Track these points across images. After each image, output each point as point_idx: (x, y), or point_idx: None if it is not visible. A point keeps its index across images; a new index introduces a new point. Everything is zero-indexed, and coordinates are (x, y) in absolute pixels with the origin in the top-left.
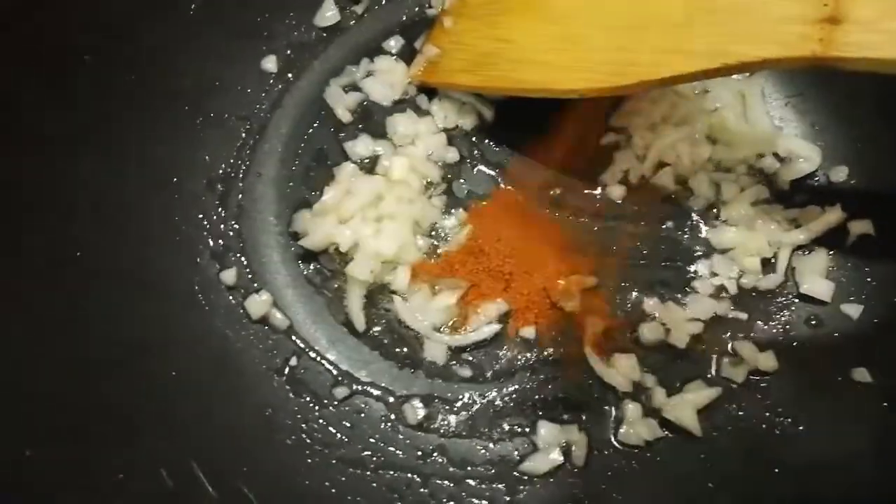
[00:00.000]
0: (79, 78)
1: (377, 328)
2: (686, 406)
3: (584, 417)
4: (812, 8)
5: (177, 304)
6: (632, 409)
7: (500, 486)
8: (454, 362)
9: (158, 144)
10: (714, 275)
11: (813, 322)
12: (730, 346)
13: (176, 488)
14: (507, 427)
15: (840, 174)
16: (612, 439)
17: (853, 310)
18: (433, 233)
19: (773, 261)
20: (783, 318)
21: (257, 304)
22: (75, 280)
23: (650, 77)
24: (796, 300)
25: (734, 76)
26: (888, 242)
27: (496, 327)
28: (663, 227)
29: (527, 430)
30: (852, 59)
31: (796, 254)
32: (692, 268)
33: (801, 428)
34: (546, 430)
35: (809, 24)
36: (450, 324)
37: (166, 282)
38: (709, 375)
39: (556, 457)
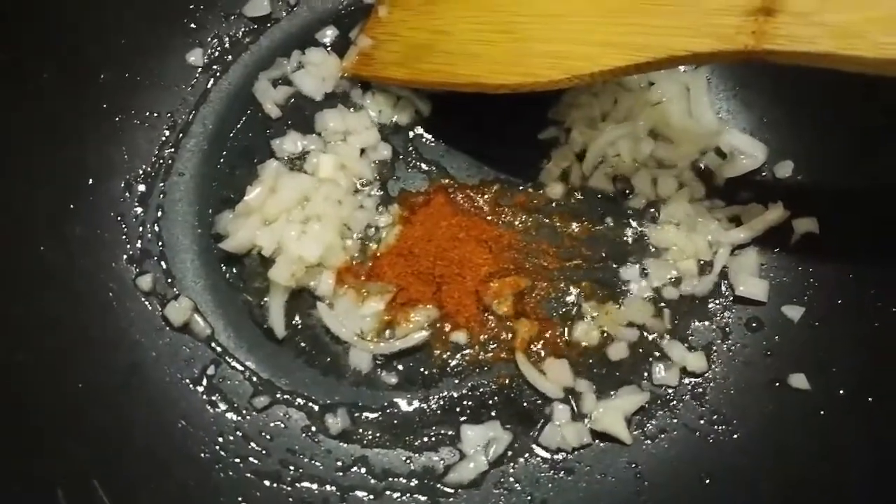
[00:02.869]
0: None
1: (301, 335)
2: (615, 412)
3: (511, 421)
4: None
5: (88, 309)
6: (561, 410)
7: (421, 497)
8: (381, 370)
9: (74, 144)
10: (651, 278)
11: (753, 325)
12: (661, 346)
13: None
14: (433, 437)
15: (786, 169)
16: (536, 445)
17: (794, 312)
18: (362, 234)
19: (711, 261)
20: (722, 321)
21: (177, 310)
22: None
23: (581, 72)
24: (735, 303)
25: (680, 68)
26: (833, 242)
27: (425, 334)
28: (602, 226)
29: (453, 438)
30: (787, 52)
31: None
32: (630, 269)
33: (735, 436)
34: (471, 432)
35: (743, 16)
36: (376, 330)
37: (79, 285)
38: (643, 381)
39: (481, 463)
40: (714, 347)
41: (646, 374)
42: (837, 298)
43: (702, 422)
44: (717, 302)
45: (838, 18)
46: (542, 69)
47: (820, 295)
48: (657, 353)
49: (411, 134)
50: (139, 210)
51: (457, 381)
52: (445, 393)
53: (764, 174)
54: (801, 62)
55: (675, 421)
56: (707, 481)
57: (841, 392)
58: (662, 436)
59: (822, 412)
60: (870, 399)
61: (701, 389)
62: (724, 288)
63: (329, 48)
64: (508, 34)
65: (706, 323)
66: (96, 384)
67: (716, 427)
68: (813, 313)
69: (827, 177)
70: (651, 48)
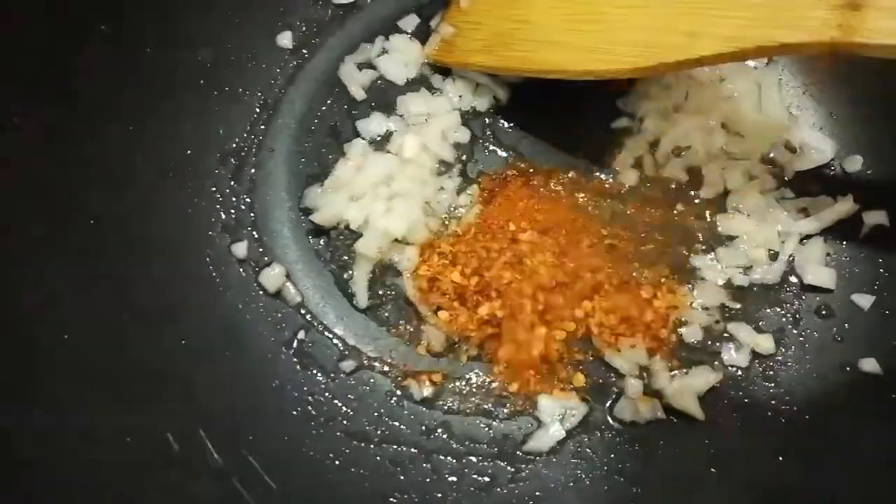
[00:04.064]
0: (95, 47)
1: (385, 305)
2: (688, 389)
3: (586, 394)
4: None
5: (188, 275)
6: (634, 385)
7: (502, 463)
8: (460, 342)
9: (173, 117)
10: (722, 265)
11: (823, 312)
12: (730, 329)
13: (181, 453)
14: (511, 406)
15: (855, 164)
16: (611, 417)
17: (864, 300)
18: (444, 213)
19: (780, 251)
20: (792, 308)
21: (272, 277)
22: (88, 247)
23: (667, 60)
24: (804, 291)
25: (751, 64)
26: None
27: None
28: (675, 213)
29: (531, 409)
30: (873, 45)
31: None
32: (701, 255)
33: (807, 417)
34: (547, 403)
35: (829, 10)
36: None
37: (178, 253)
38: (715, 362)
39: (558, 432)
40: (784, 333)
41: (718, 355)
42: None
43: (773, 402)
44: (787, 290)
45: None
46: (629, 57)
47: (890, 284)
48: (727, 335)
49: (489, 119)
50: (233, 183)
51: None
52: None
53: (833, 168)
54: (884, 55)
55: (748, 401)
56: (780, 458)
57: None
58: (735, 414)
59: (893, 395)
60: None
61: (772, 372)
62: (793, 277)
63: (411, 35)
64: (595, 23)
65: (777, 309)
66: (198, 344)
67: (787, 408)
68: (883, 302)
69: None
70: (738, 39)
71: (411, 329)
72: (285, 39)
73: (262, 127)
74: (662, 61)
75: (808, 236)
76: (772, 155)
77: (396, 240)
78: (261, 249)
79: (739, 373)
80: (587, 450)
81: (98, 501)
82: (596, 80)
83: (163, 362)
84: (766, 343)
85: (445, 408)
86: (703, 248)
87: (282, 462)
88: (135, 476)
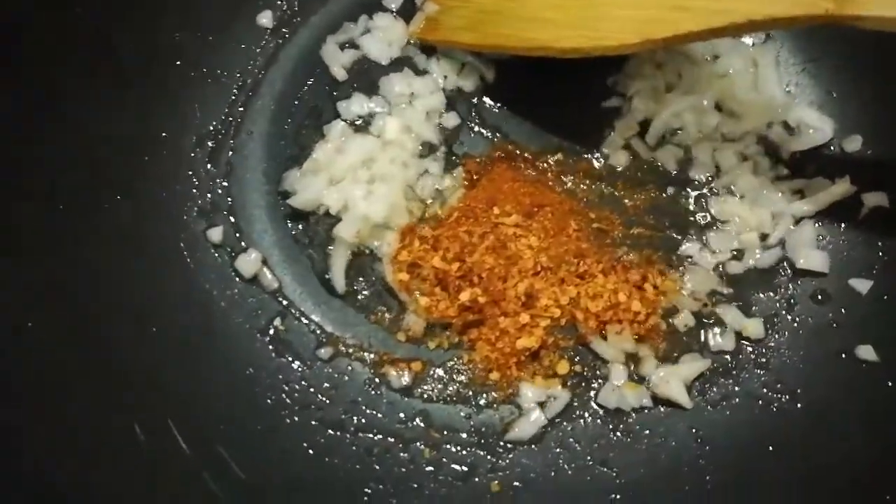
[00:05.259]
0: (69, 28)
1: (364, 292)
2: (675, 377)
3: (570, 381)
4: None
5: (162, 260)
6: (619, 371)
7: (482, 452)
8: (440, 329)
9: (148, 99)
10: (713, 249)
11: (819, 297)
12: (716, 311)
13: (148, 443)
14: (492, 394)
15: (854, 143)
16: (595, 404)
17: (862, 285)
18: (427, 196)
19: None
20: (787, 293)
21: (248, 263)
22: (60, 234)
23: (655, 35)
24: (800, 276)
25: (748, 41)
26: None
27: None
28: (665, 196)
29: (513, 397)
30: (868, 17)
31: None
32: (692, 239)
33: (799, 405)
34: (529, 391)
35: None
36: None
37: (151, 238)
38: (705, 350)
39: (540, 420)
40: (778, 318)
41: (703, 340)
42: None
43: (765, 390)
44: (782, 274)
45: None
46: (616, 33)
47: (889, 268)
48: (714, 320)
49: (475, 100)
50: (209, 166)
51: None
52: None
53: (832, 148)
54: (881, 27)
55: (738, 389)
56: (770, 448)
57: None
58: (725, 403)
59: (889, 383)
60: None
61: (764, 359)
62: (787, 261)
63: (395, 13)
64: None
65: (770, 294)
66: (170, 331)
67: (779, 396)
68: (881, 286)
69: None
70: (728, 13)
71: (391, 316)
72: (265, 18)
73: (241, 109)
74: (650, 37)
75: (802, 219)
76: (768, 135)
77: (376, 224)
78: (237, 234)
79: (730, 359)
80: (570, 439)
81: (60, 494)
82: (583, 57)
83: (132, 350)
84: (753, 327)
85: (425, 396)
86: (695, 232)
87: (254, 452)
88: (100, 467)
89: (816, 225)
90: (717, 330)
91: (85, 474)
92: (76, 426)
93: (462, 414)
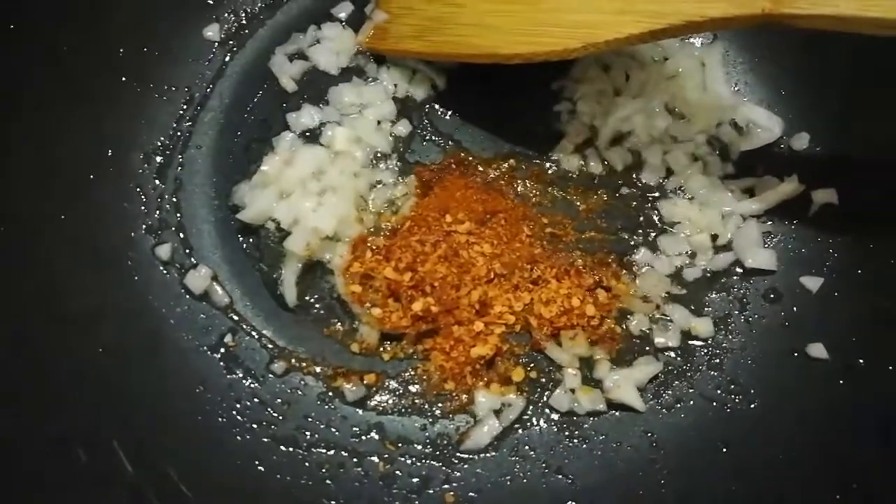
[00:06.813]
0: (9, 42)
1: (316, 305)
2: (627, 381)
3: (525, 387)
4: None
5: (109, 278)
6: (572, 375)
7: (436, 464)
8: (393, 340)
9: (94, 115)
10: (665, 252)
11: (771, 296)
12: (665, 310)
13: (90, 465)
14: (448, 404)
15: (802, 141)
16: (549, 409)
17: (813, 283)
18: (378, 207)
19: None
20: (739, 293)
21: (198, 279)
22: (5, 249)
23: (595, 39)
24: (751, 275)
25: (696, 42)
26: (851, 213)
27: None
28: (617, 199)
29: (469, 406)
30: (804, 15)
31: None
32: (645, 243)
33: (752, 405)
34: (484, 398)
35: None
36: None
37: (98, 255)
38: (658, 352)
39: (494, 427)
40: (731, 318)
41: (653, 342)
42: (857, 268)
43: (719, 391)
44: (734, 274)
45: None
46: (557, 38)
47: (839, 265)
48: (663, 318)
49: (427, 108)
50: (157, 182)
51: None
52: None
53: (781, 147)
54: (821, 25)
55: (692, 391)
56: (724, 449)
57: (860, 361)
58: (679, 405)
59: (840, 381)
60: (890, 368)
61: (718, 360)
62: (738, 261)
63: (344, 23)
64: (523, 5)
65: (723, 294)
66: (117, 349)
67: (733, 397)
68: (832, 284)
69: (845, 148)
70: (667, 14)
71: (344, 328)
72: (212, 32)
73: (189, 123)
74: (591, 41)
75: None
76: (718, 135)
77: (327, 236)
78: (186, 251)
79: (683, 361)
80: (525, 446)
81: None
82: (528, 62)
83: (78, 369)
84: (702, 326)
85: (379, 408)
86: (647, 235)
87: (203, 471)
88: (43, 489)
89: (767, 223)
90: (663, 327)
91: (27, 498)
92: (13, 447)
93: (417, 425)
